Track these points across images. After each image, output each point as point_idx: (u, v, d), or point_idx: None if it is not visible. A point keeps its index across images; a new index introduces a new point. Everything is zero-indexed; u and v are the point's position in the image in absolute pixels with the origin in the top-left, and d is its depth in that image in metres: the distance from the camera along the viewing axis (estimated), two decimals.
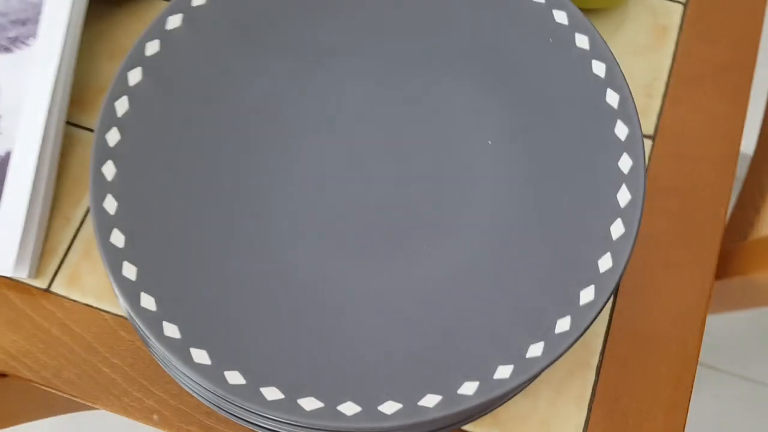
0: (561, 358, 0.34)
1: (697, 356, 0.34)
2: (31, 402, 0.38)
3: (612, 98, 0.32)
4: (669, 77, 0.39)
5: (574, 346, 0.34)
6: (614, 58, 0.32)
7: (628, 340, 0.34)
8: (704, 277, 0.35)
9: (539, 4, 0.33)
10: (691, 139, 0.38)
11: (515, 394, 0.31)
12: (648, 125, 0.38)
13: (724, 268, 0.38)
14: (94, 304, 0.34)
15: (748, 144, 1.02)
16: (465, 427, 0.33)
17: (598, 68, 0.32)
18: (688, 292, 0.35)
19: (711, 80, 0.39)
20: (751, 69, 0.40)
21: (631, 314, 0.35)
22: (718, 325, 1.03)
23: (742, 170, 1.07)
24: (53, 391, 0.33)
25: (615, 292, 0.35)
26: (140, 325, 0.28)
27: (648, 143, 0.38)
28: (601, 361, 0.34)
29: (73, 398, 0.33)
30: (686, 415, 0.33)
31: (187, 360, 0.28)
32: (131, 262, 0.29)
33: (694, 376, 0.34)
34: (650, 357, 0.34)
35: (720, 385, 0.99)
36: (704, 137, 0.38)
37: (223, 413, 0.30)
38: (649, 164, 0.37)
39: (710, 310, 0.45)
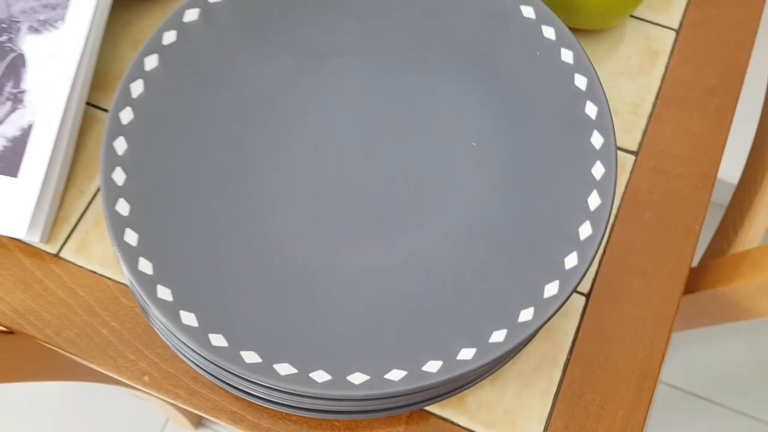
0: (530, 353, 0.36)
1: (662, 361, 0.36)
2: (34, 361, 0.41)
3: (591, 110, 0.34)
4: (656, 98, 0.41)
5: (544, 342, 0.36)
6: (596, 72, 0.34)
7: (597, 341, 0.36)
8: (674, 286, 0.37)
9: (530, 19, 0.36)
10: (672, 157, 0.40)
11: (479, 379, 0.33)
12: (632, 141, 0.40)
13: (697, 283, 0.40)
14: (99, 271, 0.37)
15: (735, 174, 1.03)
16: (434, 410, 0.35)
17: (580, 81, 0.34)
18: (658, 299, 0.37)
19: (696, 104, 0.41)
20: (736, 96, 0.42)
21: (601, 316, 0.36)
22: (721, 359, 1.03)
23: (726, 199, 1.08)
24: (54, 348, 0.36)
25: (588, 296, 0.37)
26: (137, 287, 0.30)
27: (631, 158, 0.40)
28: (568, 359, 0.36)
29: (72, 356, 0.36)
30: (646, 416, 0.35)
31: (177, 321, 0.30)
32: (133, 229, 0.32)
33: (656, 380, 0.35)
34: (616, 358, 0.36)
35: (720, 420, 0.99)
36: (685, 156, 0.40)
37: (208, 376, 0.33)
38: (630, 177, 0.39)
39: (683, 325, 0.46)
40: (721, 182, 1.05)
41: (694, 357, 1.04)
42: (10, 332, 0.37)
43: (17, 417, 0.99)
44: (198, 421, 0.96)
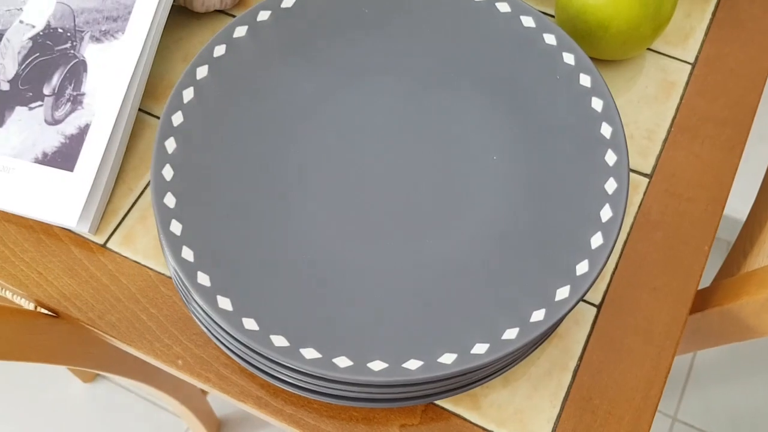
0: (542, 359, 0.38)
1: (668, 372, 0.37)
2: (75, 346, 0.43)
3: (606, 130, 0.36)
4: (671, 126, 0.44)
5: (556, 349, 0.38)
6: (612, 96, 0.37)
7: (606, 349, 0.38)
8: (682, 302, 0.39)
9: (552, 46, 0.38)
10: (684, 181, 0.42)
11: (491, 376, 0.35)
12: (647, 165, 0.42)
13: (706, 302, 0.42)
14: (142, 262, 0.40)
15: (745, 210, 1.04)
16: (447, 407, 0.36)
17: (597, 104, 0.37)
18: (666, 314, 0.38)
19: (708, 133, 0.43)
20: (747, 127, 0.44)
21: (611, 327, 0.38)
22: (739, 399, 1.03)
23: (735, 236, 1.09)
24: (96, 330, 0.38)
25: (599, 307, 0.39)
26: (179, 273, 0.33)
27: (645, 180, 0.42)
28: (578, 365, 0.37)
29: (112, 339, 0.38)
30: (651, 422, 0.36)
31: (213, 305, 0.32)
32: (178, 220, 0.34)
33: (662, 389, 0.37)
34: (624, 367, 0.37)
35: None
36: (696, 181, 0.42)
37: (237, 359, 0.35)
38: (643, 198, 0.41)
39: (694, 345, 0.48)
40: (731, 219, 1.06)
41: (711, 396, 1.03)
42: (55, 316, 0.40)
43: (38, 422, 1.02)
44: None
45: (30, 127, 0.40)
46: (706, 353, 1.06)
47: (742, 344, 1.07)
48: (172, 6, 0.46)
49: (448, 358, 0.32)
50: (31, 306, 0.40)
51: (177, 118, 0.37)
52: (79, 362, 0.46)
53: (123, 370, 0.54)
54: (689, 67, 0.46)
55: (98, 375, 1.04)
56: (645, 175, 0.42)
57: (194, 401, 0.82)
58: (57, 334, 0.41)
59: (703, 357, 1.06)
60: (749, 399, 1.03)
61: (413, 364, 0.32)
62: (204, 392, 0.92)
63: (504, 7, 0.40)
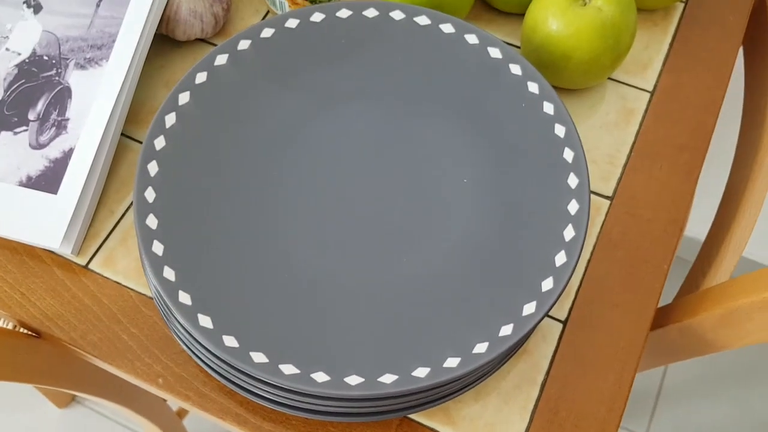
0: (510, 373, 0.39)
1: (631, 384, 0.39)
2: (56, 366, 0.44)
3: (568, 155, 0.38)
4: (631, 151, 0.46)
5: (524, 364, 0.39)
6: (573, 123, 0.39)
7: (572, 364, 0.40)
8: (643, 318, 0.41)
9: (517, 75, 0.41)
10: (644, 203, 0.44)
11: (463, 390, 0.36)
12: (608, 188, 0.45)
13: (667, 318, 0.44)
14: (123, 283, 0.41)
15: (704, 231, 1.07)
16: (422, 420, 0.38)
17: (559, 130, 0.39)
18: (628, 329, 0.40)
19: (667, 157, 0.46)
20: (703, 152, 0.46)
21: (576, 342, 0.40)
22: (708, 418, 1.05)
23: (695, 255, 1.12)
24: (78, 350, 0.39)
25: (565, 323, 0.41)
26: (161, 292, 0.34)
27: (606, 202, 0.44)
28: (546, 379, 0.39)
29: (94, 359, 0.39)
30: None
31: (194, 323, 0.34)
32: (160, 241, 0.36)
33: (626, 401, 0.39)
34: (589, 380, 0.39)
35: None
36: (655, 203, 0.44)
37: (218, 377, 0.36)
38: (605, 220, 0.44)
39: (655, 361, 0.50)
40: (693, 241, 1.09)
41: (681, 415, 1.06)
42: (37, 336, 0.41)
43: None
44: None
45: (15, 151, 0.41)
46: (675, 373, 1.09)
47: (709, 364, 1.09)
48: (155, 35, 0.48)
49: (421, 372, 0.33)
50: (10, 327, 0.41)
51: (159, 142, 0.38)
52: (59, 383, 0.47)
53: (103, 392, 0.54)
54: (648, 95, 0.48)
55: (73, 400, 1.04)
56: (606, 197, 0.44)
57: (171, 426, 0.82)
58: (38, 354, 0.42)
59: (672, 377, 1.09)
60: (717, 417, 1.05)
61: (388, 378, 0.33)
62: (181, 416, 0.91)
63: (472, 39, 0.42)
